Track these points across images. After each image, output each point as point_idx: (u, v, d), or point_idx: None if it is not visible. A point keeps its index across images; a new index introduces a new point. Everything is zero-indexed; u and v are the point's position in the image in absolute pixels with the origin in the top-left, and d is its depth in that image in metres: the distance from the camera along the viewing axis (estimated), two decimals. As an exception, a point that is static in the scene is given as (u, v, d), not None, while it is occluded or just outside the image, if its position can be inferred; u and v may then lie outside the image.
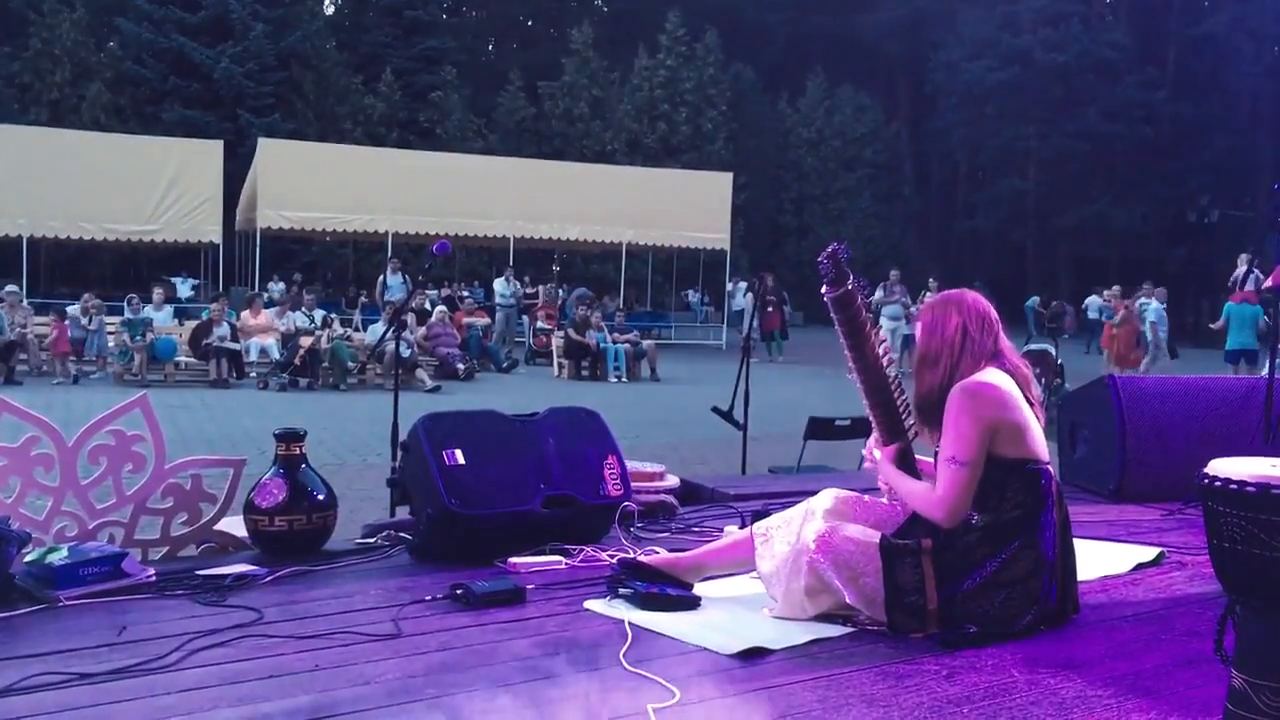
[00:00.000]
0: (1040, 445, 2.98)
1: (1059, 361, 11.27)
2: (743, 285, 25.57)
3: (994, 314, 3.09)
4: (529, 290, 21.80)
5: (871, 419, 3.26)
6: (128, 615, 2.95)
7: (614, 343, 16.14)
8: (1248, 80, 37.33)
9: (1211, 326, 15.27)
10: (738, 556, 3.22)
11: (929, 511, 2.98)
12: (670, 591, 3.11)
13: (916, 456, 3.22)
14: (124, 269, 28.25)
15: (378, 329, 15.37)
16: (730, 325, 25.21)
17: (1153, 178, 38.69)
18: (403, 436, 3.97)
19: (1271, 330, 6.82)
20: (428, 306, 17.09)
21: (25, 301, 15.26)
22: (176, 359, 13.89)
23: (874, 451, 3.25)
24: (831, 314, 3.19)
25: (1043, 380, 9.55)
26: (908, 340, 16.73)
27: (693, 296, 30.10)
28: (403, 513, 4.05)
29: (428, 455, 3.66)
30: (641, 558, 3.42)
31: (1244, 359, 13.57)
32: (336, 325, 15.23)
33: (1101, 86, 39.10)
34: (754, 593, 3.19)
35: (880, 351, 3.23)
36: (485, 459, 3.74)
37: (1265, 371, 4.93)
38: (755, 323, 15.57)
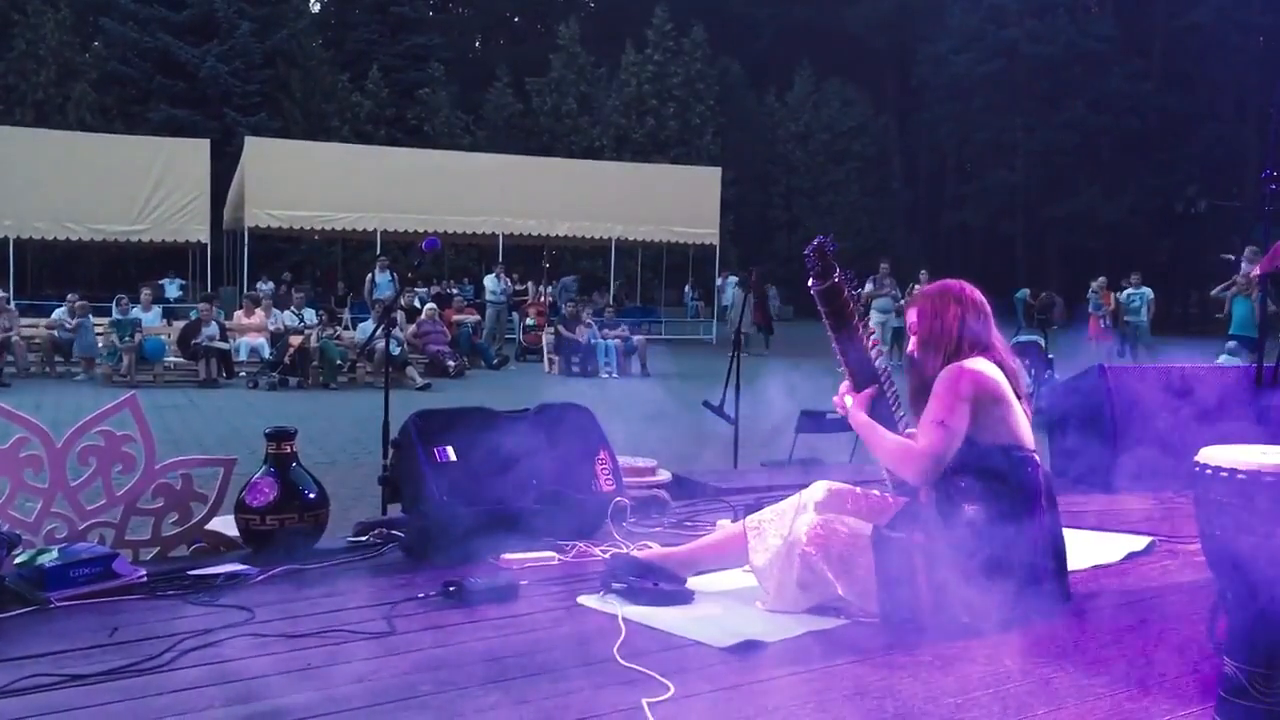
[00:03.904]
0: (1026, 434, 2.99)
1: (1049, 355, 11.28)
2: (733, 280, 25.56)
3: (988, 307, 3.10)
4: (519, 287, 21.77)
5: (844, 371, 3.24)
6: (119, 616, 2.94)
7: (604, 338, 16.12)
8: (1234, 71, 37.42)
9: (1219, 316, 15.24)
10: (731, 550, 3.22)
11: (900, 463, 2.99)
12: (663, 586, 3.11)
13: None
14: (111, 270, 28.11)
15: (367, 327, 15.33)
16: (720, 320, 25.20)
17: (1140, 169, 38.76)
18: (394, 434, 3.97)
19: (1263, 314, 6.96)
20: (417, 304, 17.05)
21: (12, 303, 15.17)
22: (165, 359, 13.83)
23: (845, 399, 3.22)
24: (819, 307, 3.19)
25: (1032, 371, 9.56)
26: (897, 333, 16.72)
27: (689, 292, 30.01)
28: (395, 510, 4.05)
29: (419, 453, 3.65)
30: (634, 552, 3.43)
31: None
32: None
33: (1088, 78, 39.15)
34: (747, 586, 3.19)
35: (869, 344, 3.23)
36: (476, 456, 3.73)
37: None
38: (746, 316, 15.55)
